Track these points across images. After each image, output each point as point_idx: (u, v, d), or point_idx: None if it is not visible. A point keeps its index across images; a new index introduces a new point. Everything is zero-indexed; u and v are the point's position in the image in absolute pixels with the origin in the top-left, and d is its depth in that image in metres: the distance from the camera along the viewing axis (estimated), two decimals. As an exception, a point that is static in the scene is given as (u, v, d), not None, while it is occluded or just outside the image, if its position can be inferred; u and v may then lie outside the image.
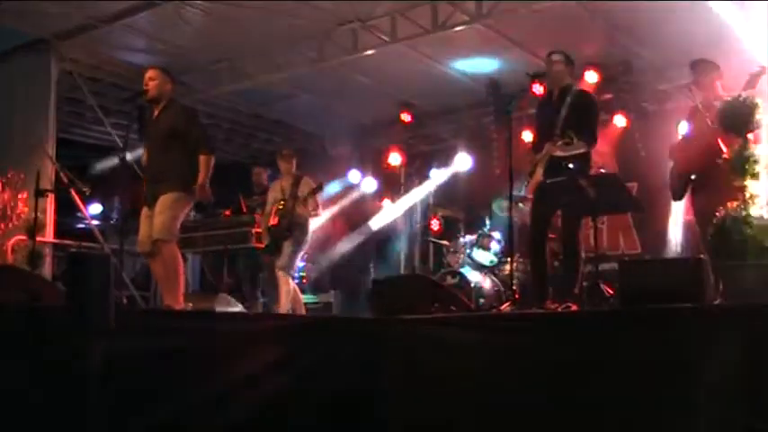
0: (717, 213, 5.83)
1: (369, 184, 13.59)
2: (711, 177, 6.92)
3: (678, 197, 7.50)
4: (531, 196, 7.53)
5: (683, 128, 7.75)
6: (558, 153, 7.21)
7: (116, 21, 10.13)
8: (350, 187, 13.59)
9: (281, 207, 9.48)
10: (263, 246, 9.92)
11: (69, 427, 5.01)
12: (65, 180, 9.94)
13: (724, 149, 6.72)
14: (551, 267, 8.07)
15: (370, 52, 10.58)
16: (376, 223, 13.38)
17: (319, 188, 9.43)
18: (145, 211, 7.35)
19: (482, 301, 9.81)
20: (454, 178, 12.91)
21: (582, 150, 7.26)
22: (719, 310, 4.62)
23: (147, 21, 10.18)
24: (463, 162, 12.68)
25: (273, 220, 9.58)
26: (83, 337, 4.66)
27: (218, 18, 10.08)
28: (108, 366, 4.66)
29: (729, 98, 7.07)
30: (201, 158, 7.24)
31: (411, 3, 9.85)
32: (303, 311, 9.45)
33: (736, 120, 6.66)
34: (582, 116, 7.33)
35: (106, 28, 10.30)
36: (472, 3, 9.56)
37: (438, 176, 12.99)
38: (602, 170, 8.57)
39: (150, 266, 7.66)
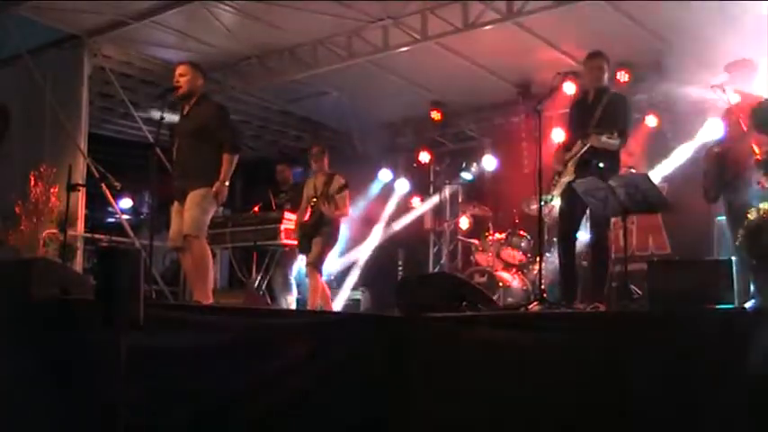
0: (748, 215, 5.78)
1: (401, 185, 13.56)
2: (743, 178, 6.86)
3: (712, 199, 7.44)
4: (558, 195, 7.49)
5: (717, 129, 7.69)
6: (597, 144, 7.15)
7: (147, 18, 10.20)
8: (380, 185, 13.57)
9: (312, 204, 9.51)
10: (295, 242, 9.96)
11: (98, 421, 5.05)
12: (96, 174, 10.04)
13: (756, 150, 6.67)
14: (580, 267, 8.05)
15: (400, 50, 10.59)
16: (405, 221, 13.39)
17: (346, 185, 9.45)
18: (176, 206, 7.41)
19: (510, 300, 9.79)
20: (483, 177, 12.88)
21: (616, 144, 7.21)
22: (750, 312, 4.58)
23: (179, 18, 10.24)
24: (489, 163, 12.67)
25: (305, 217, 9.61)
26: (112, 331, 4.70)
27: (249, 15, 10.12)
28: (136, 360, 4.69)
29: (763, 99, 7.02)
30: (225, 157, 7.28)
31: (442, 1, 9.85)
32: (331, 308, 9.47)
33: (769, 120, 6.60)
34: (615, 117, 7.29)
35: (138, 25, 10.37)
36: (503, 2, 9.53)
37: (467, 175, 12.97)
38: (633, 170, 8.52)
39: (181, 261, 7.70)
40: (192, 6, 9.87)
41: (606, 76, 7.58)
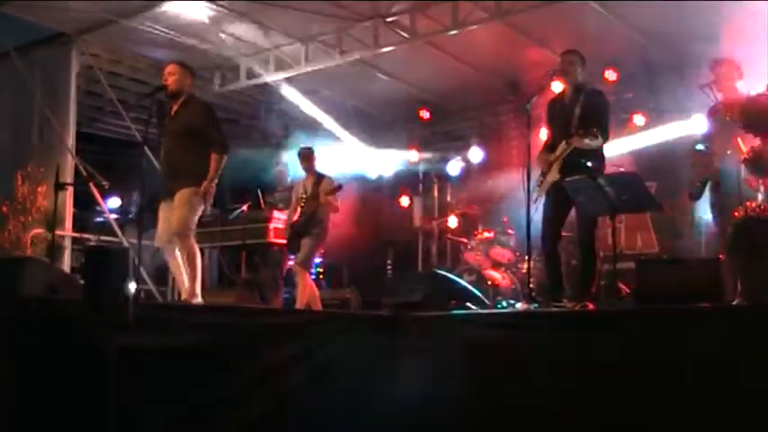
0: (735, 213, 5.80)
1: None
2: (729, 176, 6.88)
3: (696, 197, 7.45)
4: (543, 195, 7.48)
5: (703, 127, 7.69)
6: (581, 146, 7.17)
7: (136, 16, 10.17)
8: (369, 183, 13.54)
9: (302, 205, 9.53)
10: (283, 242, 9.97)
11: (87, 421, 5.03)
12: (84, 174, 10.00)
13: (744, 148, 6.69)
14: (569, 266, 8.06)
15: (389, 49, 10.58)
16: (393, 219, 13.38)
17: (338, 188, 9.45)
18: (162, 205, 7.39)
19: (499, 298, 9.80)
20: (472, 175, 12.88)
21: (599, 144, 7.24)
22: (737, 310, 4.59)
23: (167, 16, 10.21)
24: (475, 155, 12.67)
25: (295, 218, 9.63)
26: (100, 331, 4.69)
27: (238, 14, 10.11)
28: (125, 360, 4.68)
29: (752, 97, 7.03)
30: (213, 157, 7.28)
31: (431, 1, 9.85)
32: (319, 307, 9.47)
33: (758, 119, 6.62)
34: (595, 114, 7.31)
35: (127, 23, 10.34)
36: (492, 1, 9.53)
37: (455, 173, 12.98)
38: (621, 169, 8.53)
39: (167, 261, 7.69)
40: (180, 5, 9.85)
41: (578, 71, 7.58)
